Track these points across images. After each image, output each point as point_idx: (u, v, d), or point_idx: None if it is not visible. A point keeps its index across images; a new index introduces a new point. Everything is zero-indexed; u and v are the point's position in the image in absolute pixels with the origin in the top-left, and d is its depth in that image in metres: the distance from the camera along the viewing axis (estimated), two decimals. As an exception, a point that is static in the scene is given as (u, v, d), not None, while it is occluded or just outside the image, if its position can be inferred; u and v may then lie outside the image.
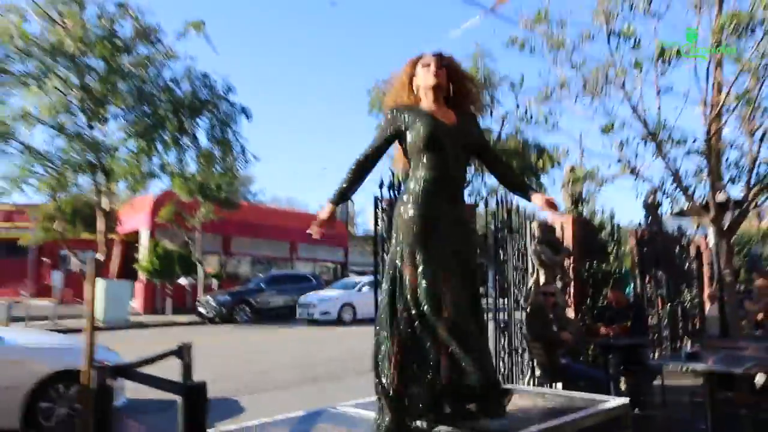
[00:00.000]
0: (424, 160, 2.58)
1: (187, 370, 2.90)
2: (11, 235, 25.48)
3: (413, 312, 2.47)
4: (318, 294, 19.59)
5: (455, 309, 2.46)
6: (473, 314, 2.58)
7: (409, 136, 2.61)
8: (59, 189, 5.32)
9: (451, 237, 2.54)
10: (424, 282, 2.46)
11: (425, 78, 2.66)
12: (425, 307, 2.45)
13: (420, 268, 2.47)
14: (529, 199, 2.87)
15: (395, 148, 2.78)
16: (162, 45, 5.23)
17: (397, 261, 2.57)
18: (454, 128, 2.61)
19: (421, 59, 2.70)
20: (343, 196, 2.65)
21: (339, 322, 18.05)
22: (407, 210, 2.55)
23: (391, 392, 2.44)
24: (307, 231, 2.61)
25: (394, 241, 2.64)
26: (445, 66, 2.68)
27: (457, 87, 2.75)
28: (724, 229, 6.21)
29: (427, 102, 2.68)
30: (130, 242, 23.44)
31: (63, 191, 5.33)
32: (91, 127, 4.83)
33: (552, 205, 2.74)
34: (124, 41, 4.93)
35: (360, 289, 19.62)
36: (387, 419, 2.44)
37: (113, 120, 4.95)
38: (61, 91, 4.64)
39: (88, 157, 4.86)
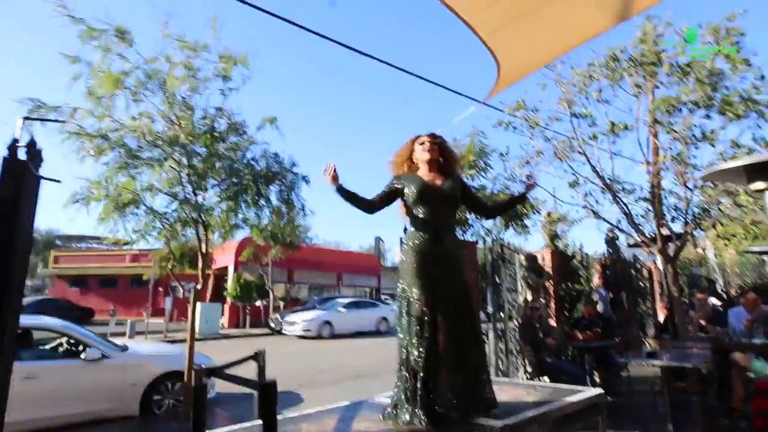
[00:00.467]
0: (418, 213, 2.61)
1: (261, 370, 2.86)
2: (137, 271, 26.13)
3: (416, 329, 2.45)
4: (300, 314, 17.35)
5: (442, 328, 2.43)
6: (464, 330, 2.49)
7: (406, 195, 2.64)
8: (172, 238, 5.51)
9: (438, 272, 2.51)
10: (417, 306, 2.46)
11: (422, 153, 2.72)
12: (421, 327, 2.43)
13: (415, 298, 2.48)
14: (521, 199, 2.97)
15: (400, 207, 2.77)
16: (246, 134, 5.51)
17: (401, 290, 2.59)
18: (440, 189, 2.63)
19: (418, 138, 2.78)
20: (346, 196, 2.58)
21: (319, 337, 16.02)
22: (405, 254, 2.60)
23: (409, 389, 2.42)
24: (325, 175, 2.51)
25: (400, 273, 2.64)
26: (437, 144, 2.74)
27: (445, 158, 2.78)
28: (670, 255, 6.04)
29: (423, 170, 2.73)
30: (220, 275, 23.77)
31: (174, 239, 5.52)
32: (195, 194, 5.03)
33: (531, 186, 2.83)
34: (220, 133, 5.21)
35: (338, 310, 17.60)
36: (405, 408, 2.39)
37: (211, 188, 5.18)
38: (175, 170, 4.89)
39: (192, 215, 5.04)
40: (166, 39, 5.26)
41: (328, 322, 16.69)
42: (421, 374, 2.39)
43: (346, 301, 18.80)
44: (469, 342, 2.50)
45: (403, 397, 2.44)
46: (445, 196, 2.63)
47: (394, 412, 2.45)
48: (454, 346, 2.43)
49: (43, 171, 2.44)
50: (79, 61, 4.94)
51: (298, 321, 16.63)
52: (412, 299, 2.50)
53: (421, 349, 2.42)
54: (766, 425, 2.81)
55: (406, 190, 2.65)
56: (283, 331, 17.07)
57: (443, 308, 2.47)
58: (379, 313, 18.47)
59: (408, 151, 2.79)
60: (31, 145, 2.23)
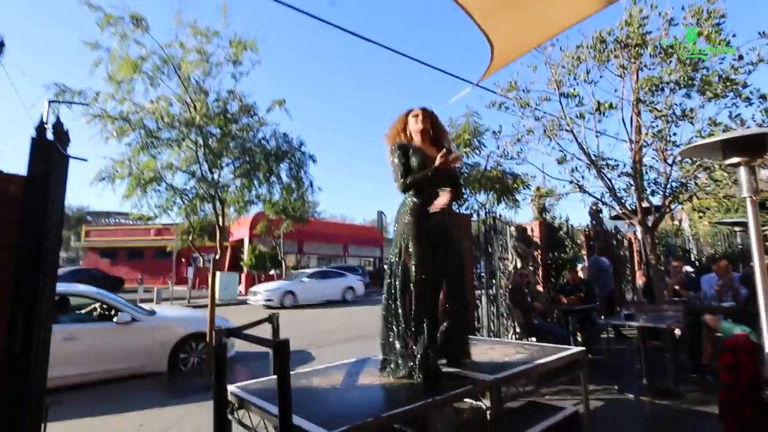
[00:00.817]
0: None
1: (275, 331, 2.92)
2: (161, 244, 26.36)
3: (412, 291, 2.44)
4: (262, 285, 16.34)
5: (436, 291, 2.45)
6: (455, 294, 2.51)
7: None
8: (191, 213, 5.51)
9: (435, 239, 2.50)
10: (414, 270, 2.44)
11: (415, 125, 2.69)
12: (417, 288, 2.42)
13: (412, 257, 2.46)
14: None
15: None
16: (257, 116, 5.45)
17: (396, 253, 2.56)
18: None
19: (411, 112, 2.74)
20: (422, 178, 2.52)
21: (281, 307, 14.72)
22: (404, 217, 2.55)
23: (406, 346, 2.43)
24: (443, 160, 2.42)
25: (396, 237, 2.59)
26: (428, 116, 2.70)
27: (436, 130, 2.75)
28: (649, 226, 6.02)
29: (417, 140, 2.69)
30: (237, 247, 23.97)
31: (194, 214, 5.52)
32: (211, 172, 5.03)
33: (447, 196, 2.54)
34: (233, 115, 5.14)
35: (302, 280, 16.39)
36: (402, 363, 2.43)
37: (226, 167, 5.16)
38: (192, 150, 4.86)
39: (209, 191, 5.05)
40: (179, 26, 5.14)
41: (290, 292, 15.49)
42: (418, 333, 2.40)
43: (310, 271, 17.70)
44: (459, 305, 2.52)
45: (400, 352, 2.47)
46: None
47: (392, 367, 2.48)
48: (446, 307, 2.44)
49: (71, 151, 2.41)
50: (98, 48, 4.84)
51: (261, 291, 15.45)
52: (408, 264, 2.47)
53: (418, 309, 2.42)
54: (731, 379, 2.86)
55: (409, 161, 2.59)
56: (248, 301, 15.97)
57: (438, 274, 2.46)
58: (346, 283, 17.51)
59: (402, 123, 2.75)
60: (58, 127, 2.20)
